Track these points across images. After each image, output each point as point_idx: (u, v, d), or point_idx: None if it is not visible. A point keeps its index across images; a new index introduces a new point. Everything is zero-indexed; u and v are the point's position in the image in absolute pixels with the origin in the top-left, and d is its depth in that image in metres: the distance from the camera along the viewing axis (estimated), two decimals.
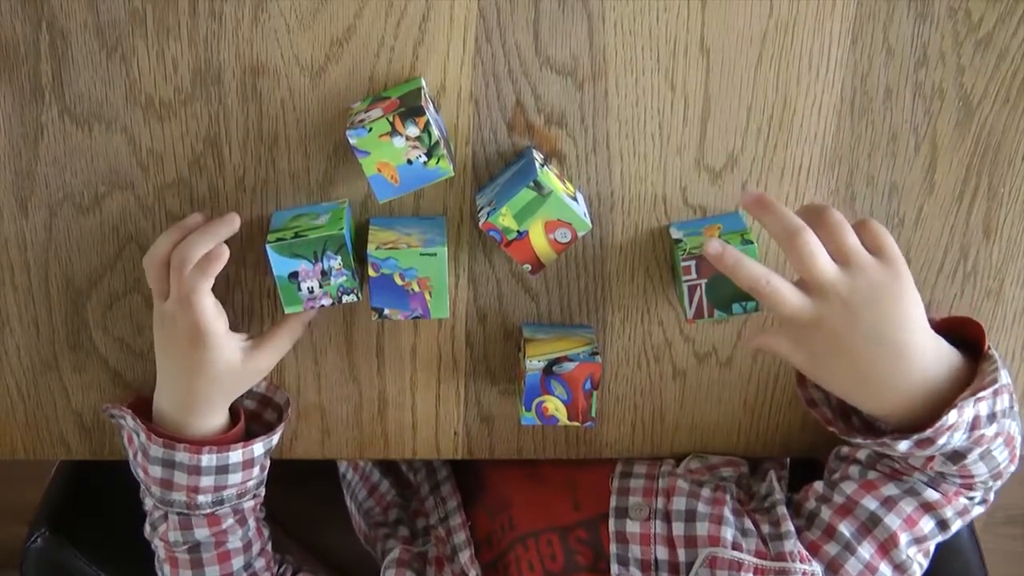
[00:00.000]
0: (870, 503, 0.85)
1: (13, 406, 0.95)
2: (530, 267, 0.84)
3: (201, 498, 0.87)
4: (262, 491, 0.92)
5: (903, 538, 0.84)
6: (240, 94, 0.84)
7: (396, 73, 0.83)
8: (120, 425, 0.90)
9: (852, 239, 0.76)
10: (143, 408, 0.90)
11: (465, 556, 0.93)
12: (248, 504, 0.91)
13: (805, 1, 0.82)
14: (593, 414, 0.88)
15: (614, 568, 0.88)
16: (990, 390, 0.77)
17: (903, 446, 0.78)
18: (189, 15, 0.81)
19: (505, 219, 0.81)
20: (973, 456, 0.80)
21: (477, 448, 0.97)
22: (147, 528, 0.92)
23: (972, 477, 0.82)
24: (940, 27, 0.83)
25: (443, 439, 0.97)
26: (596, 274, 0.91)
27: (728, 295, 0.84)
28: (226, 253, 0.81)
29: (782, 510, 0.88)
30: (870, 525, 0.85)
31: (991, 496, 0.86)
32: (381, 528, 1.04)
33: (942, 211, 0.90)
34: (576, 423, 0.88)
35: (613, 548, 0.89)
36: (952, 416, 0.75)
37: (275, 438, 0.90)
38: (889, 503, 0.85)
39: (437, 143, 0.78)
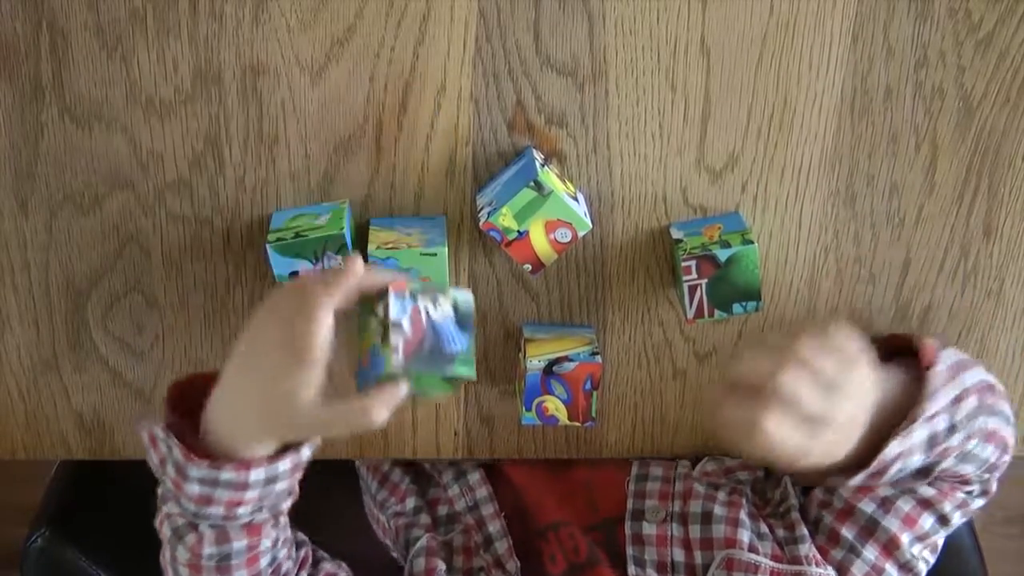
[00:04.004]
0: (867, 506, 0.86)
1: (13, 406, 0.95)
2: (530, 267, 0.84)
3: (241, 509, 0.79)
4: (297, 487, 0.84)
5: (905, 538, 0.85)
6: (240, 94, 0.84)
7: (396, 73, 0.83)
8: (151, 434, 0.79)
9: (828, 367, 0.69)
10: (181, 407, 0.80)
11: (503, 547, 0.93)
12: (286, 504, 0.83)
13: (805, 1, 0.82)
14: (593, 414, 0.88)
15: (631, 569, 0.89)
16: (926, 417, 0.75)
17: (856, 481, 0.77)
18: (189, 15, 0.81)
19: (505, 219, 0.81)
20: (948, 462, 0.80)
21: (477, 448, 0.97)
22: (166, 532, 0.82)
23: (960, 475, 0.83)
24: (940, 27, 0.83)
25: (443, 439, 0.97)
26: (596, 274, 0.91)
27: (728, 295, 0.84)
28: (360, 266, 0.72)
29: (796, 515, 0.88)
30: (871, 528, 0.85)
31: (992, 487, 0.86)
32: (400, 517, 1.00)
33: (942, 211, 0.90)
34: (576, 423, 0.88)
35: (630, 550, 0.89)
36: (892, 449, 0.75)
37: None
38: (886, 504, 0.85)
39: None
